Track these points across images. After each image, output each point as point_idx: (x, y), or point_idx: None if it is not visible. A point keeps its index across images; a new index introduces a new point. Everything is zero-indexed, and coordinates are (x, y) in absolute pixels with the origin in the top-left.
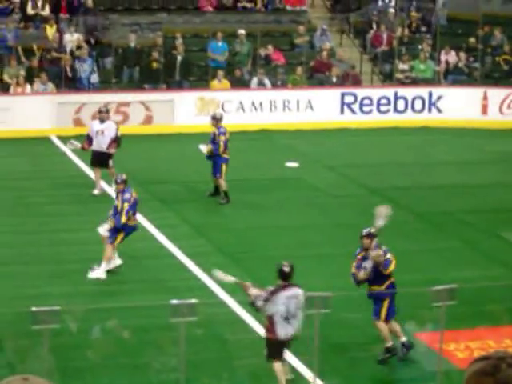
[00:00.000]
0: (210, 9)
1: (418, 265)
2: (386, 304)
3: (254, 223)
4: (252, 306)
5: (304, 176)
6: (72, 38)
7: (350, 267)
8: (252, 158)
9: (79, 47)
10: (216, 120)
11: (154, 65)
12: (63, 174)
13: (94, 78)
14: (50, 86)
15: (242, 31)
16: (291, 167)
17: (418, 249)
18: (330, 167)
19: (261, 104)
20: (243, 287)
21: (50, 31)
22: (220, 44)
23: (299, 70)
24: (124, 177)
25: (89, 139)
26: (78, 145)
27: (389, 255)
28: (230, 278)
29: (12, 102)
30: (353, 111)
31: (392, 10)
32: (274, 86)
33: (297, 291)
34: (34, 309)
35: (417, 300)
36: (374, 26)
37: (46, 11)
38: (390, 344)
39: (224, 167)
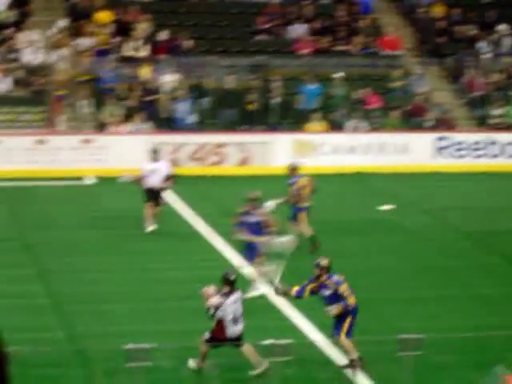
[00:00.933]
0: (307, 52)
1: (504, 308)
2: (348, 321)
3: (347, 265)
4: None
5: (398, 219)
6: (170, 79)
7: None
8: (346, 200)
9: (177, 88)
10: (292, 169)
11: (251, 107)
12: (158, 213)
13: (191, 119)
14: (147, 125)
15: (338, 75)
16: (385, 210)
17: (508, 292)
18: (424, 210)
19: (356, 147)
20: (206, 296)
21: (148, 72)
22: (314, 87)
23: (394, 113)
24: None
25: (141, 178)
26: (130, 177)
27: (342, 289)
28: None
29: (110, 141)
30: (447, 155)
31: (486, 56)
32: (370, 129)
33: (238, 295)
34: (128, 346)
35: (509, 342)
36: (469, 71)
37: (144, 52)
38: (354, 356)
39: (302, 215)
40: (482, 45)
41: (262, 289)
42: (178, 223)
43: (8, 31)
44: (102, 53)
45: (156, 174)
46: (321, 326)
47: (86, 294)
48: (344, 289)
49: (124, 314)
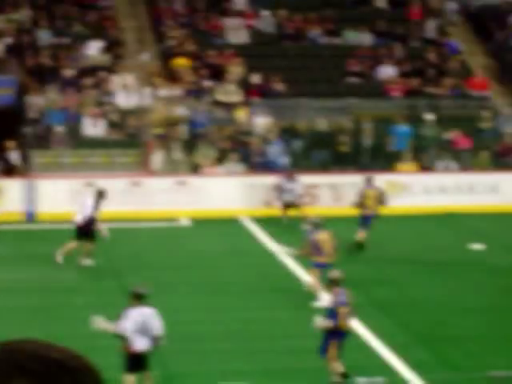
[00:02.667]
0: (397, 94)
1: None
2: (334, 345)
3: (440, 302)
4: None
5: (489, 259)
6: (262, 122)
7: None
8: (437, 239)
9: (269, 130)
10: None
11: (343, 148)
12: (252, 254)
13: (284, 161)
14: (240, 167)
15: (429, 116)
16: (476, 250)
17: None
18: None
19: (447, 187)
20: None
21: (241, 114)
22: (405, 128)
23: (484, 154)
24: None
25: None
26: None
27: (341, 310)
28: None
29: (204, 183)
30: None
31: None
32: (460, 169)
33: (144, 310)
34: None
35: None
36: None
37: (237, 96)
38: (341, 370)
39: (314, 271)
40: None
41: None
42: (271, 263)
43: (102, 74)
44: (195, 96)
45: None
46: (414, 365)
47: (183, 333)
48: (343, 311)
49: (223, 353)
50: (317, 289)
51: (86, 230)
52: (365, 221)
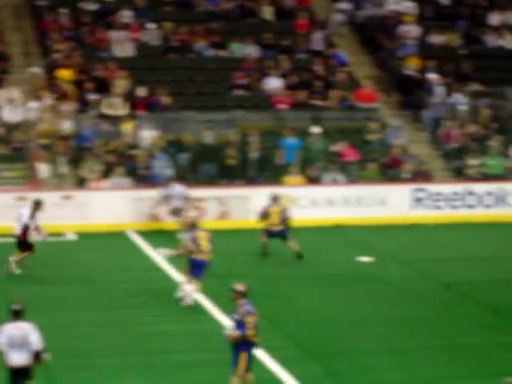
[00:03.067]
0: (284, 106)
1: (495, 358)
2: (243, 357)
3: (328, 317)
4: None
5: (377, 271)
6: (148, 135)
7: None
8: (325, 252)
9: (154, 144)
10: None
11: (230, 161)
12: (141, 268)
13: (169, 174)
14: (127, 181)
15: (315, 129)
16: (365, 262)
17: (491, 341)
18: (403, 262)
19: (334, 199)
20: None
21: (127, 128)
22: (293, 141)
23: (372, 166)
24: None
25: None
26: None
27: (248, 319)
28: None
29: (90, 197)
30: (424, 206)
31: (463, 107)
32: (347, 181)
33: (20, 325)
34: None
35: None
36: (446, 123)
37: (123, 109)
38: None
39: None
40: (458, 96)
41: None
42: (158, 277)
43: None
44: (81, 109)
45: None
46: (304, 379)
47: (72, 349)
48: (250, 321)
49: (112, 369)
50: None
51: (24, 240)
52: (272, 235)
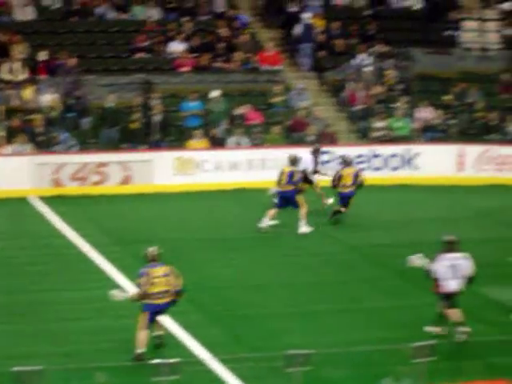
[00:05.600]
0: (187, 69)
1: (396, 321)
2: (145, 316)
3: (233, 281)
4: None
5: (283, 234)
6: (49, 99)
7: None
8: (230, 216)
9: (54, 108)
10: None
11: (133, 125)
12: (42, 234)
13: (70, 139)
14: (29, 146)
15: (216, 92)
16: (269, 225)
17: (396, 305)
18: (311, 224)
19: (238, 163)
20: None
21: (28, 92)
22: (194, 104)
23: (276, 129)
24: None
25: None
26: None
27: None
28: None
29: None
30: (329, 169)
31: (368, 68)
32: (251, 145)
33: None
34: (16, 369)
35: (396, 356)
36: (350, 85)
37: (23, 74)
38: (139, 350)
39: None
40: (363, 57)
41: None
42: (62, 244)
43: None
44: None
45: None
46: (209, 344)
47: None
48: (139, 282)
49: (16, 336)
50: None
51: None
52: (342, 199)
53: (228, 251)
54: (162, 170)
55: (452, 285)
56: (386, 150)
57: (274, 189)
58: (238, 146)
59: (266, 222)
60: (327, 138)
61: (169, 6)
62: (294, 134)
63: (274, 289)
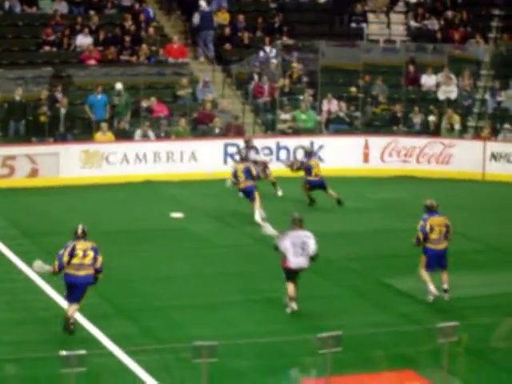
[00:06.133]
0: (93, 62)
1: (302, 312)
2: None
3: (141, 274)
4: None
5: (189, 226)
6: None
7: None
8: (137, 208)
9: None
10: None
11: (42, 118)
12: None
13: None
14: None
15: (118, 84)
16: (176, 218)
17: (303, 296)
18: (215, 217)
19: (145, 155)
20: None
21: None
22: (99, 97)
23: (182, 121)
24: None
25: None
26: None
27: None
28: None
29: None
30: (236, 161)
31: (274, 61)
32: (158, 137)
33: None
34: None
35: (302, 347)
36: (256, 77)
37: None
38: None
39: None
40: (269, 50)
41: None
42: None
43: None
44: None
45: None
46: (116, 337)
47: None
48: (61, 252)
49: None
50: None
51: None
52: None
53: (135, 243)
54: (68, 163)
55: (296, 262)
56: (291, 141)
57: (229, 180)
58: (145, 138)
59: (261, 213)
60: (234, 129)
61: (76, 0)
62: (200, 127)
63: (182, 280)
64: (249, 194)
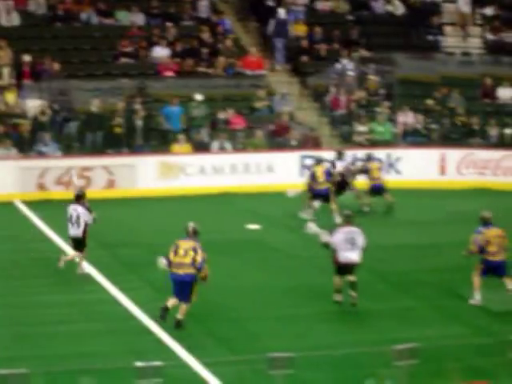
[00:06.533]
0: (170, 74)
1: (378, 324)
2: None
3: (217, 284)
4: None
5: (265, 238)
6: (34, 104)
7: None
8: (213, 220)
9: (40, 113)
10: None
11: (117, 129)
12: (27, 239)
13: (56, 144)
14: (13, 150)
15: (199, 96)
16: (252, 229)
17: (378, 308)
18: (291, 228)
19: (222, 167)
20: None
21: (11, 97)
22: (175, 108)
23: (259, 133)
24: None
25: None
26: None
27: None
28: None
29: None
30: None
31: (350, 73)
32: (235, 149)
33: None
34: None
35: (378, 359)
36: (333, 89)
37: (7, 79)
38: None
39: None
40: (346, 62)
41: None
42: (48, 248)
43: None
44: None
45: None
46: (191, 348)
47: None
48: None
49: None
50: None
51: None
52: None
53: (212, 255)
54: (145, 175)
55: (347, 256)
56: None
57: (292, 190)
58: (222, 150)
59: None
60: (311, 142)
61: (152, 12)
62: (276, 139)
63: (256, 292)
64: (324, 195)
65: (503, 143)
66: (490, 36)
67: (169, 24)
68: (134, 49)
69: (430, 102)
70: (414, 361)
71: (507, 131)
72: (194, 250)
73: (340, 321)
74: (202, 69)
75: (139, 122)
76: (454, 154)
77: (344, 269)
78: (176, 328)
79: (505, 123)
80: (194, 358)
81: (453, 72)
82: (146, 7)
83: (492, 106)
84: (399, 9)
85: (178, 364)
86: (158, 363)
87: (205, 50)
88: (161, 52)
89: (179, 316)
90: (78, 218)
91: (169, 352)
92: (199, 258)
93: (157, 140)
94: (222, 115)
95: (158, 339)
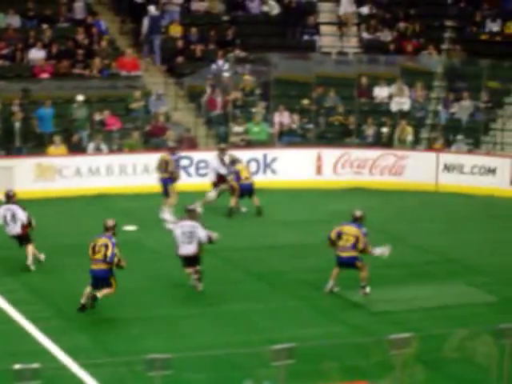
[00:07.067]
0: (46, 76)
1: (256, 325)
2: None
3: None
4: None
5: (142, 239)
6: None
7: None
8: (90, 222)
9: None
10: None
11: None
12: None
13: None
14: None
15: (80, 97)
16: (129, 230)
17: (258, 308)
18: (167, 230)
19: (98, 169)
20: None
21: None
22: (48, 110)
23: (135, 134)
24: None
25: None
26: None
27: None
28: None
29: None
30: (189, 174)
31: (226, 74)
32: (111, 150)
33: None
34: None
35: (256, 359)
36: (209, 90)
37: None
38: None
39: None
40: (221, 63)
41: None
42: None
43: None
44: None
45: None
46: (69, 350)
47: None
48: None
49: None
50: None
51: None
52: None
53: (86, 257)
54: (22, 177)
55: (185, 248)
56: (244, 154)
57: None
58: (97, 151)
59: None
60: (187, 142)
61: (29, 14)
62: (153, 139)
63: (132, 294)
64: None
65: (379, 142)
66: (366, 35)
67: (45, 26)
68: (11, 51)
69: (305, 101)
70: (292, 361)
71: (383, 130)
72: (105, 247)
73: (220, 321)
74: (77, 70)
75: (17, 124)
76: (330, 154)
77: (184, 261)
78: (92, 301)
79: (381, 122)
80: (71, 360)
81: (329, 72)
82: (22, 9)
83: (368, 105)
84: (275, 9)
85: (57, 366)
86: (35, 365)
87: (80, 52)
88: (37, 54)
89: (98, 294)
90: (13, 216)
91: (47, 354)
92: (109, 253)
93: (34, 142)
94: (98, 116)
95: (35, 341)
